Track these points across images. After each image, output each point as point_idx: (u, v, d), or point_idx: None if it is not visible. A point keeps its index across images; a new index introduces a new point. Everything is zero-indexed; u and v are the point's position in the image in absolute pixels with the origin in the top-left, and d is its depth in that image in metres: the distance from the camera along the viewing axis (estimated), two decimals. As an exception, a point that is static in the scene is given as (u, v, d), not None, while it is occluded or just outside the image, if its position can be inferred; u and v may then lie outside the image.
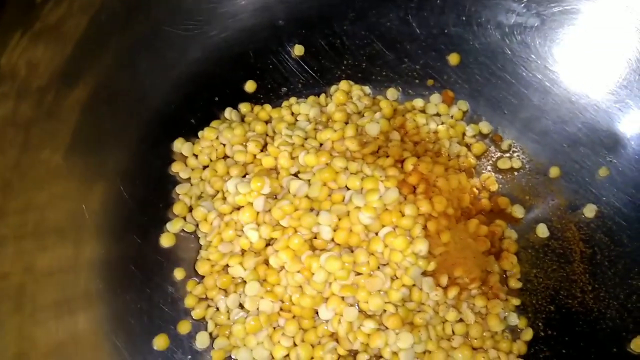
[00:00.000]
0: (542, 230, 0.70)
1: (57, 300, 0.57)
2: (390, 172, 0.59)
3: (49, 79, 0.59)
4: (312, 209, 0.60)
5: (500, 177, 0.73)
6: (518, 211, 0.71)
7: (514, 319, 0.64)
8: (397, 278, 0.58)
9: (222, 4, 0.72)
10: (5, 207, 0.55)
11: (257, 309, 0.59)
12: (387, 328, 0.58)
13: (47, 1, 0.57)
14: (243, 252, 0.61)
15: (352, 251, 0.58)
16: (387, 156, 0.62)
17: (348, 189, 0.60)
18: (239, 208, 0.62)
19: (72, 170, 0.61)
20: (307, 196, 0.60)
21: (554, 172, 0.73)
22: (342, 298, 0.58)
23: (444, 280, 0.60)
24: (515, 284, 0.66)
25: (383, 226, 0.58)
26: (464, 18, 0.77)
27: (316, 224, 0.58)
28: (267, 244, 0.61)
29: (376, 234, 0.59)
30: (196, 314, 0.62)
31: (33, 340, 0.55)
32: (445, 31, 0.77)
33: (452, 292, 0.59)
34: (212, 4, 0.71)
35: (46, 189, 0.58)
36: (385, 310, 0.58)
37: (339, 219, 0.59)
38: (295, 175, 0.62)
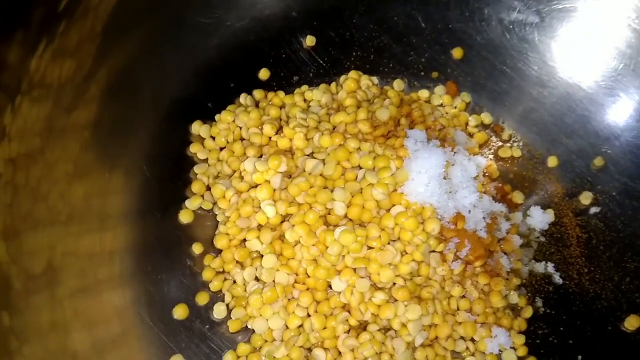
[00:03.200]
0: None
1: (90, 278, 0.60)
2: (400, 153, 0.63)
3: (76, 68, 0.61)
4: (326, 187, 0.63)
5: (501, 165, 0.76)
6: (518, 197, 0.74)
7: (515, 298, 0.67)
8: (406, 253, 0.61)
9: (239, -5, 0.76)
10: (44, 195, 0.58)
11: (273, 281, 0.62)
12: (396, 300, 0.61)
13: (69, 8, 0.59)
14: (260, 227, 0.64)
15: (364, 226, 0.62)
16: (397, 137, 0.66)
17: (360, 168, 0.63)
18: (255, 186, 0.65)
19: (98, 151, 0.63)
20: (321, 174, 0.63)
21: (551, 161, 0.76)
22: (354, 270, 0.61)
23: (450, 256, 0.63)
24: (515, 264, 0.69)
25: (393, 205, 0.62)
26: (467, 14, 0.80)
27: (330, 200, 0.61)
28: (283, 220, 0.64)
29: (387, 210, 0.62)
30: (214, 286, 0.64)
31: (70, 316, 0.58)
32: (450, 26, 0.80)
33: (458, 269, 0.63)
34: (230, -6, 0.75)
35: (76, 176, 0.61)
36: (394, 284, 0.61)
37: (352, 196, 0.62)
38: (310, 155, 0.66)
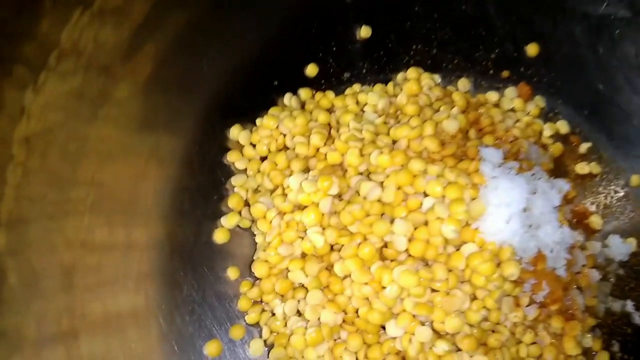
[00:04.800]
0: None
1: (107, 280, 0.54)
2: (476, 179, 0.53)
3: (107, 58, 0.54)
4: (383, 214, 0.54)
5: (578, 183, 0.68)
6: (596, 222, 0.66)
7: (589, 341, 0.60)
8: (476, 298, 0.53)
9: (284, -19, 0.66)
10: (71, 180, 0.52)
11: (318, 319, 0.54)
12: (459, 350, 0.53)
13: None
14: (304, 255, 0.56)
15: (426, 264, 0.53)
16: (470, 158, 0.56)
17: (426, 195, 0.54)
18: (301, 207, 0.57)
19: (126, 151, 0.56)
20: (379, 200, 0.54)
21: (635, 180, 0.68)
22: (414, 316, 0.53)
23: (525, 300, 0.54)
24: (591, 301, 0.61)
25: (465, 242, 0.53)
26: (546, 5, 0.70)
27: (389, 233, 0.53)
28: (332, 248, 0.56)
29: (457, 248, 0.53)
30: (250, 318, 0.58)
31: (83, 317, 0.52)
32: (525, 19, 0.71)
33: (534, 314, 0.54)
34: (275, -19, 0.65)
35: (105, 166, 0.55)
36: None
37: (415, 228, 0.53)
38: (365, 174, 0.57)
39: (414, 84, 0.64)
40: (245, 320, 0.58)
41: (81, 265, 0.52)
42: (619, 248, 0.65)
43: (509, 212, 0.51)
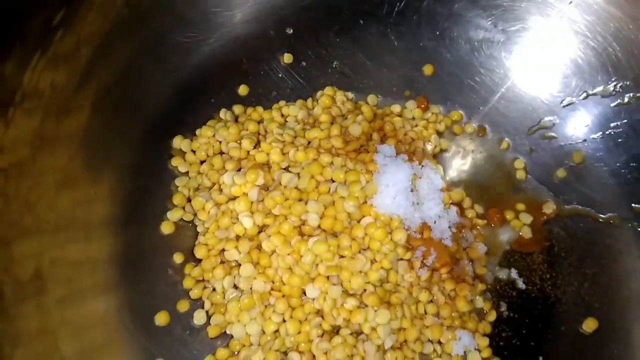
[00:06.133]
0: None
1: (76, 286, 0.63)
2: (370, 167, 0.67)
3: (66, 81, 0.64)
4: (300, 199, 0.67)
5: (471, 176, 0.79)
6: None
7: (480, 302, 0.71)
8: (376, 261, 0.65)
9: (218, 16, 0.79)
10: (34, 204, 0.61)
11: (251, 288, 0.65)
12: (366, 306, 0.64)
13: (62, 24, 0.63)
14: (238, 237, 0.68)
15: (336, 236, 0.65)
16: (368, 152, 0.70)
17: (333, 181, 0.67)
18: (234, 198, 0.68)
19: (84, 163, 0.66)
20: (296, 188, 0.67)
21: (518, 174, 0.79)
22: (327, 278, 0.64)
23: (417, 263, 0.67)
24: (481, 270, 0.73)
25: (363, 216, 0.65)
26: (437, 33, 0.84)
27: (305, 212, 0.65)
28: (260, 231, 0.68)
29: (358, 221, 0.66)
30: (194, 294, 0.67)
31: (57, 323, 0.61)
32: (421, 44, 0.84)
33: (425, 275, 0.67)
34: (210, 15, 0.78)
35: (64, 186, 0.64)
36: (365, 290, 0.65)
37: (325, 208, 0.66)
38: (286, 169, 0.69)
39: (327, 98, 0.77)
40: (190, 296, 0.67)
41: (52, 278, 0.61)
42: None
43: (395, 189, 0.65)
